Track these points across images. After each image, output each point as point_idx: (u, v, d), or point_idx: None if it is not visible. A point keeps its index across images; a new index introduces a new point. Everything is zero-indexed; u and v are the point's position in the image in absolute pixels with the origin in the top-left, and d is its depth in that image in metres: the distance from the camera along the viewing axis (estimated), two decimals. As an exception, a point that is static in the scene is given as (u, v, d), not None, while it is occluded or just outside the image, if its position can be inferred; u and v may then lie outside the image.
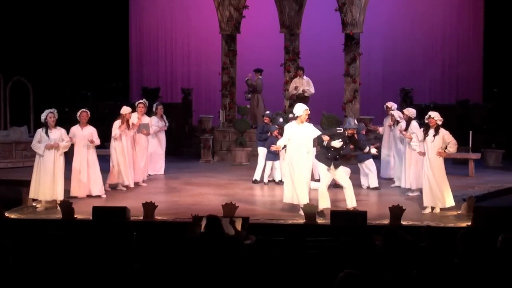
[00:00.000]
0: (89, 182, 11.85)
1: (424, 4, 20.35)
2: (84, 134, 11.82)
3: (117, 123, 12.56)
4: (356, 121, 10.94)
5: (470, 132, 14.34)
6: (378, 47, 20.08)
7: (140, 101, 13.61)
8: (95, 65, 20.09)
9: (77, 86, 18.96)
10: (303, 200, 10.29)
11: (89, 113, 12.00)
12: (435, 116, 10.64)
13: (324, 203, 10.31)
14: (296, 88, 16.40)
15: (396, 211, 9.65)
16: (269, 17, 18.81)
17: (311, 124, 10.77)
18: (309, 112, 10.61)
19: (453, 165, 15.17)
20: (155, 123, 14.34)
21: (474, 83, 20.14)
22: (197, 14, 21.02)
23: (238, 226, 8.55)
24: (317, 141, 10.51)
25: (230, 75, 17.86)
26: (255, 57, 19.25)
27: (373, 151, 10.92)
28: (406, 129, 12.20)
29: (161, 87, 20.24)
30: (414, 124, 12.22)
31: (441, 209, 10.62)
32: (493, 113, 17.84)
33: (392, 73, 20.32)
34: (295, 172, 10.45)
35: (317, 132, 10.53)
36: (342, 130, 10.40)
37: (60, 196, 11.00)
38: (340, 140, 10.26)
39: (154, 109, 14.60)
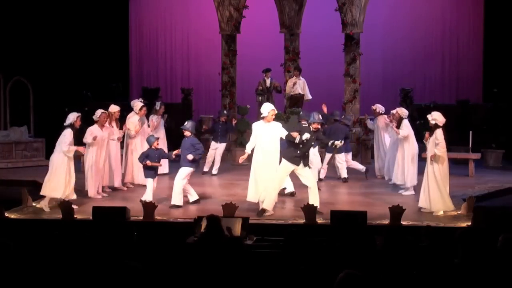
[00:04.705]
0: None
1: (424, 4, 20.36)
2: (105, 134, 12.09)
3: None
4: (320, 116, 10.97)
5: (470, 132, 14.35)
6: (378, 47, 20.09)
7: (142, 104, 13.53)
8: (95, 65, 20.09)
9: (77, 86, 18.96)
10: (263, 198, 10.45)
11: (107, 113, 12.35)
12: (429, 117, 10.73)
13: (270, 205, 10.39)
14: (294, 84, 16.38)
15: (396, 211, 9.65)
16: (269, 17, 18.81)
17: (279, 124, 10.80)
18: (275, 112, 10.78)
19: (453, 165, 15.17)
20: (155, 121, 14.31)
21: (474, 83, 20.16)
22: (197, 14, 21.03)
23: (238, 226, 8.57)
24: (288, 140, 10.42)
25: (230, 75, 17.85)
26: (255, 57, 19.26)
27: (337, 142, 10.90)
28: (398, 127, 12.49)
29: (161, 87, 20.23)
30: (406, 122, 12.45)
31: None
32: (493, 113, 17.85)
33: (392, 73, 20.34)
34: (261, 171, 10.57)
35: (284, 132, 10.53)
36: (307, 124, 10.50)
37: (73, 195, 11.17)
38: (307, 134, 10.26)
39: (157, 107, 14.54)
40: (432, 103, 17.87)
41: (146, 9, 21.73)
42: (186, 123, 11.41)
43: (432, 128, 10.66)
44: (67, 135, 11.09)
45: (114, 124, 12.72)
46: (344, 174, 13.71)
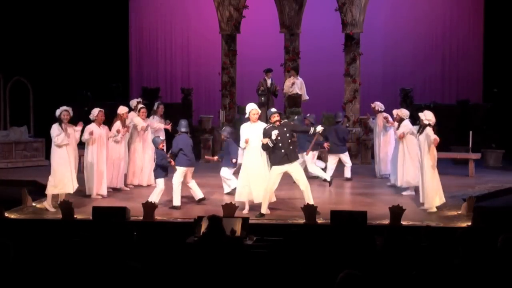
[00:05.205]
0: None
1: (424, 4, 20.36)
2: (103, 132, 12.10)
3: (117, 124, 12.59)
4: (274, 108, 10.81)
5: (470, 132, 14.35)
6: (378, 47, 20.08)
7: (142, 105, 13.52)
8: (95, 65, 20.09)
9: (77, 86, 18.96)
10: (258, 198, 10.42)
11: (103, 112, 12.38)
12: (422, 115, 10.86)
13: (266, 208, 10.36)
14: (293, 84, 16.41)
15: (396, 211, 9.65)
16: (269, 17, 18.81)
17: (265, 124, 10.68)
18: (258, 112, 10.66)
19: (453, 165, 15.20)
20: (156, 122, 14.30)
21: (474, 83, 20.16)
22: (197, 14, 21.03)
23: (238, 226, 8.57)
24: (265, 149, 10.39)
25: (230, 75, 17.85)
26: (255, 57, 19.25)
27: (318, 128, 10.49)
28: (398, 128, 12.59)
29: (161, 87, 20.23)
30: (405, 123, 12.50)
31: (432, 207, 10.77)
32: (493, 113, 17.84)
33: (392, 73, 20.33)
34: (250, 171, 10.52)
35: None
36: (269, 124, 10.32)
37: (74, 188, 11.29)
38: (274, 131, 10.10)
39: (155, 107, 14.56)
40: (432, 103, 17.87)
41: (146, 9, 21.72)
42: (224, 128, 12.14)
43: (422, 127, 10.75)
44: (53, 130, 11.18)
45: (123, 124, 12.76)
46: (348, 174, 13.88)
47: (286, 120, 10.70)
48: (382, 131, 13.99)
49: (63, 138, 11.07)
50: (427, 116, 10.74)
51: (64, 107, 11.35)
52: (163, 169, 11.21)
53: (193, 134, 18.22)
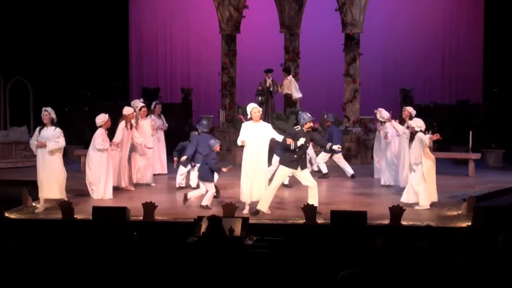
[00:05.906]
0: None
1: (424, 4, 20.38)
2: (108, 139, 12.05)
3: (121, 125, 12.50)
4: (308, 114, 10.72)
5: (470, 132, 14.35)
6: (378, 47, 20.09)
7: (143, 104, 13.52)
8: (95, 65, 20.10)
9: (77, 86, 18.96)
10: (259, 196, 10.44)
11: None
12: (411, 123, 11.10)
13: (264, 206, 10.35)
14: (281, 86, 16.53)
15: (396, 211, 9.65)
16: (269, 17, 18.82)
17: (269, 124, 10.76)
18: (259, 110, 10.67)
19: (453, 165, 15.20)
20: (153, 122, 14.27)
21: (474, 83, 20.17)
22: (197, 14, 21.04)
23: (238, 226, 8.57)
24: (282, 146, 10.40)
25: (230, 75, 17.85)
26: (255, 57, 19.26)
27: (335, 147, 10.80)
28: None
29: (161, 87, 20.23)
30: (415, 119, 12.59)
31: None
32: (493, 113, 17.84)
33: (392, 73, 20.35)
34: (251, 171, 10.50)
35: (272, 132, 10.52)
36: (300, 127, 10.32)
37: (61, 195, 11.07)
38: (302, 139, 10.14)
39: (152, 107, 14.56)
40: (432, 103, 17.88)
41: (146, 9, 21.73)
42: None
43: (413, 134, 11.00)
44: None
45: (129, 126, 12.69)
46: (350, 170, 14.27)
47: (319, 130, 10.85)
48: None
49: (31, 143, 11.07)
50: (418, 123, 10.91)
51: (44, 108, 11.27)
52: (212, 172, 10.95)
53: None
